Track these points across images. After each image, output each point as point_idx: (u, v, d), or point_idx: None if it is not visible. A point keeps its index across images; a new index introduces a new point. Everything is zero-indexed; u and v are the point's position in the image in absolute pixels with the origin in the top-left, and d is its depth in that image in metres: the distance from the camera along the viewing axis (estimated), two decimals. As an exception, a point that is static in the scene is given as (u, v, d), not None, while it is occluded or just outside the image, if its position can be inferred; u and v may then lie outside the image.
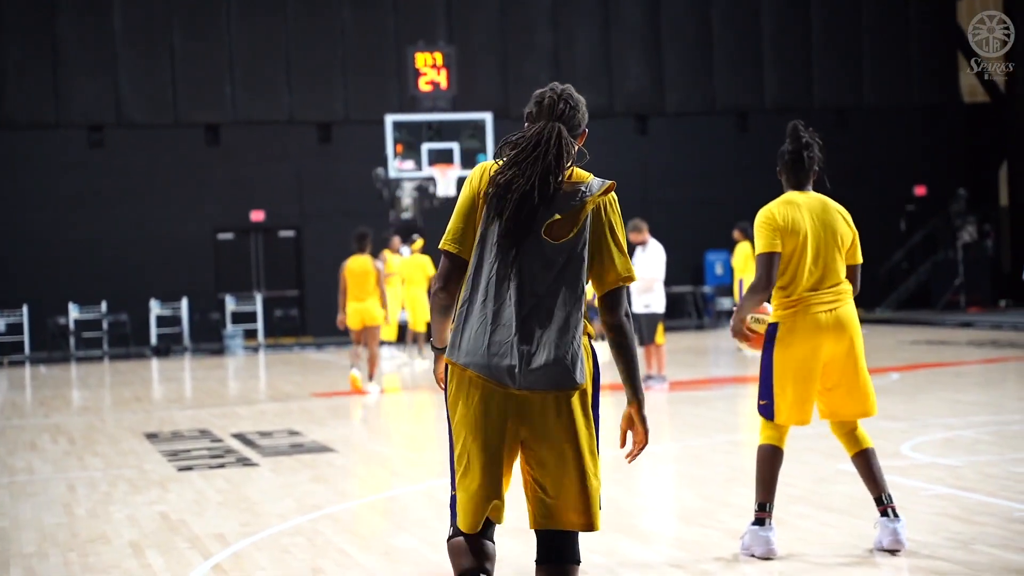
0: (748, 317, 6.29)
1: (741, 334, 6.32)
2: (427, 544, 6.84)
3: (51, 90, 25.78)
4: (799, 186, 6.31)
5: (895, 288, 28.76)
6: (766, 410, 6.24)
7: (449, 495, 4.25)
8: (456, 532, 4.20)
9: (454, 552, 4.19)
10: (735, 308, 6.47)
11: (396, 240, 19.88)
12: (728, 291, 26.54)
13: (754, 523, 6.23)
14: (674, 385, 14.71)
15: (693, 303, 27.79)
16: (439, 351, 4.31)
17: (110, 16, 26.03)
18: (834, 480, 8.16)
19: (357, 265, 15.09)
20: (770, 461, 6.23)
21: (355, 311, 15.14)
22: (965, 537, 6.43)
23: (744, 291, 22.24)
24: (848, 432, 6.30)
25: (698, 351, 20.65)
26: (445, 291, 4.24)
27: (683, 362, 18.25)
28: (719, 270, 27.80)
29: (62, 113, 25.88)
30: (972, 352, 18.00)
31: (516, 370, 4.07)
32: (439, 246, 4.26)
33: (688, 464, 9.28)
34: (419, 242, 20.46)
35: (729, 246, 23.23)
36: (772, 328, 6.23)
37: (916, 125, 29.97)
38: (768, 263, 6.15)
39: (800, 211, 6.19)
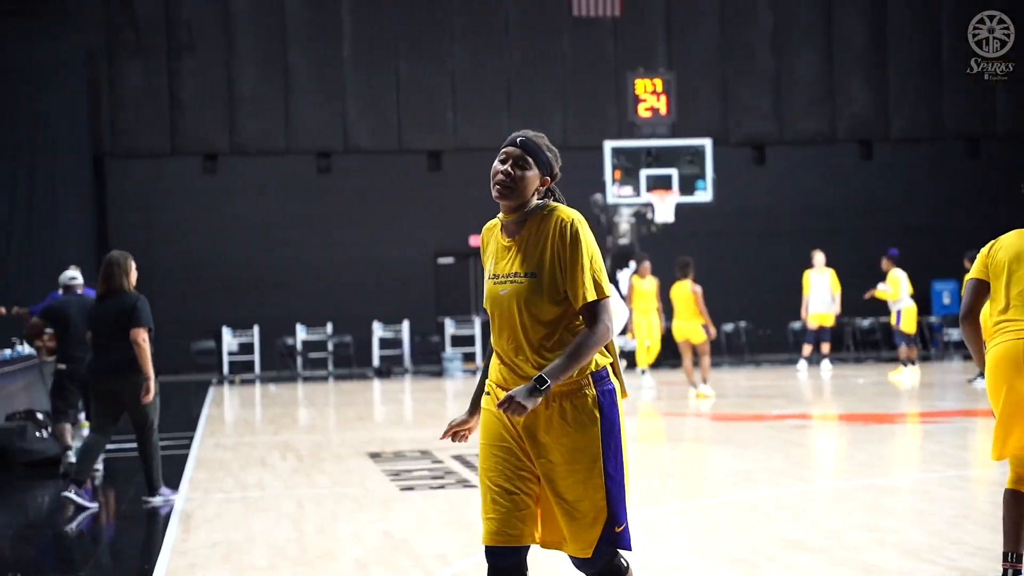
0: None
1: None
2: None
3: (282, 118, 26.75)
4: None
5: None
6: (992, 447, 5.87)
7: (624, 525, 4.41)
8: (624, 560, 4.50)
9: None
10: None
11: (646, 265, 19.27)
12: (954, 322, 25.71)
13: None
14: (897, 417, 14.32)
15: (919, 333, 26.97)
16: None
17: (340, 45, 26.87)
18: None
19: (678, 290, 17.43)
20: (1008, 507, 5.78)
21: (678, 328, 17.54)
22: None
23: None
24: None
25: (924, 383, 20.04)
26: None
27: (910, 394, 17.75)
28: (947, 300, 26.96)
29: (292, 140, 26.82)
30: None
31: None
32: (606, 292, 4.52)
33: (914, 498, 9.02)
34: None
35: (958, 275, 22.53)
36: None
37: None
38: (967, 289, 6.04)
39: (1017, 241, 5.89)
